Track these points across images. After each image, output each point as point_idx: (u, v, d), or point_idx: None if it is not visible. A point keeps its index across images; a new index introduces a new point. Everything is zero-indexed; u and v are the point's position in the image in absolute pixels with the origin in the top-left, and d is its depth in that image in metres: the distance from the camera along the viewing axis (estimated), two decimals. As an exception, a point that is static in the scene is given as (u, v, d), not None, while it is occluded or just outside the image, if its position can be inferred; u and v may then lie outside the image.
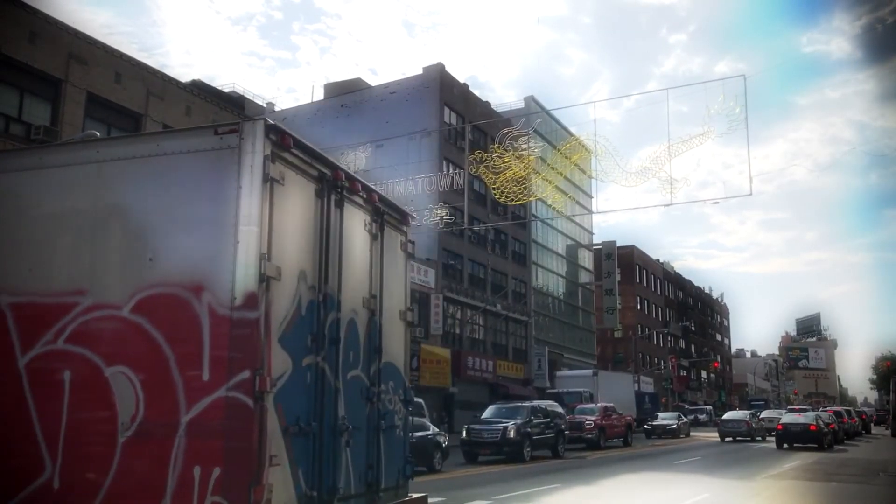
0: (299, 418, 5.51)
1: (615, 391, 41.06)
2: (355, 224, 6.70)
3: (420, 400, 26.77)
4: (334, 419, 6.01)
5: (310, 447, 5.65)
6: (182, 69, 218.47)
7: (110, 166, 5.78)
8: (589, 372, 44.75)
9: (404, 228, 7.81)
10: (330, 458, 5.89)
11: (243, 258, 5.15)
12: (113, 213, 5.69)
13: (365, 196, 6.85)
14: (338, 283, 6.19)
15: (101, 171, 5.80)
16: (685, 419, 45.31)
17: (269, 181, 5.30)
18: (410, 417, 7.74)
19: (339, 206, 6.35)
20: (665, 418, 43.43)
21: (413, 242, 8.05)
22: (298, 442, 5.48)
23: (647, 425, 42.13)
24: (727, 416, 41.74)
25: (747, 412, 42.93)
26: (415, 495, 7.39)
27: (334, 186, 6.27)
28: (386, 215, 7.30)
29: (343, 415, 6.12)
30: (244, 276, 5.13)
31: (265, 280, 5.15)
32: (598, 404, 32.68)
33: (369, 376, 6.74)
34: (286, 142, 5.52)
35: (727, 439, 37.19)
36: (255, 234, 5.17)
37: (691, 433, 48.75)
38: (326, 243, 6.09)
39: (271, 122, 5.44)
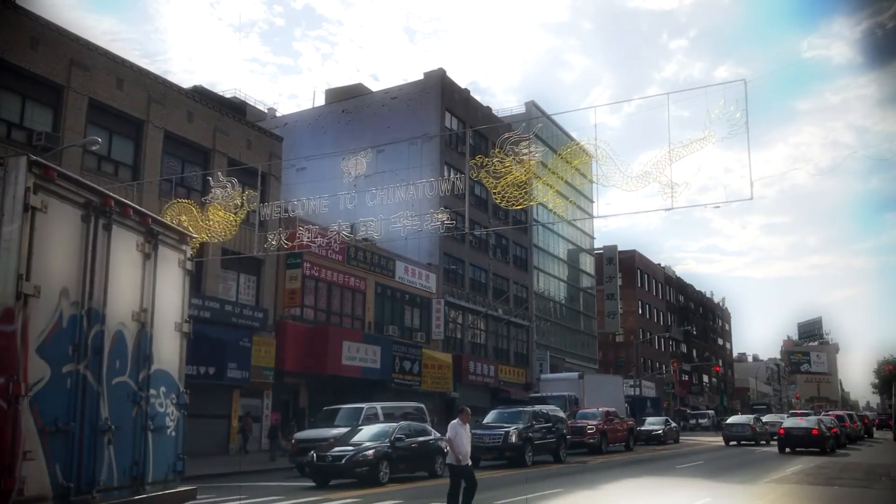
0: (57, 419, 6.19)
1: (603, 395, 38.88)
2: (126, 245, 7.38)
3: (421, 405, 26.82)
4: (96, 420, 6.67)
5: (68, 444, 6.32)
6: (184, 75, 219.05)
7: None
8: (574, 375, 42.51)
9: (184, 247, 8.49)
10: (90, 454, 6.57)
11: (2, 278, 5.82)
12: None
13: (137, 219, 7.56)
14: (103, 298, 6.86)
15: None
16: (673, 424, 43.50)
17: (30, 210, 6.00)
18: (184, 419, 8.40)
19: (108, 229, 7.04)
20: (651, 423, 41.63)
21: (192, 260, 8.68)
22: (56, 439, 6.16)
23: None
24: (732, 420, 41.37)
25: (751, 416, 42.36)
26: (183, 488, 8.06)
27: (103, 212, 6.96)
28: (161, 236, 7.97)
29: (106, 416, 6.79)
30: (2, 293, 5.80)
31: (22, 297, 5.84)
32: (600, 409, 32.44)
33: (137, 382, 7.40)
34: (50, 174, 6.26)
35: (731, 443, 37.09)
36: (14, 257, 5.85)
37: (692, 438, 48.61)
38: (92, 263, 6.77)
39: (34, 157, 6.14)
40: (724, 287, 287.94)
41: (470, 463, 11.78)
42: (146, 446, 7.43)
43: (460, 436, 11.61)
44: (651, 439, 39.12)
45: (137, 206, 7.65)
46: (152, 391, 7.60)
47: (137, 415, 7.35)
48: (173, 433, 8.02)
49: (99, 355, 6.76)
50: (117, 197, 7.26)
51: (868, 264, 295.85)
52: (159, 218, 8.14)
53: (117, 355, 7.08)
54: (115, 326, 7.05)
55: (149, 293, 7.65)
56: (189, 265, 8.52)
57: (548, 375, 47.24)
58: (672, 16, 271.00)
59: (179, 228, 8.69)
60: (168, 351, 8.01)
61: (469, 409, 12.61)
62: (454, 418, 12.14)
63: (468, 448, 11.68)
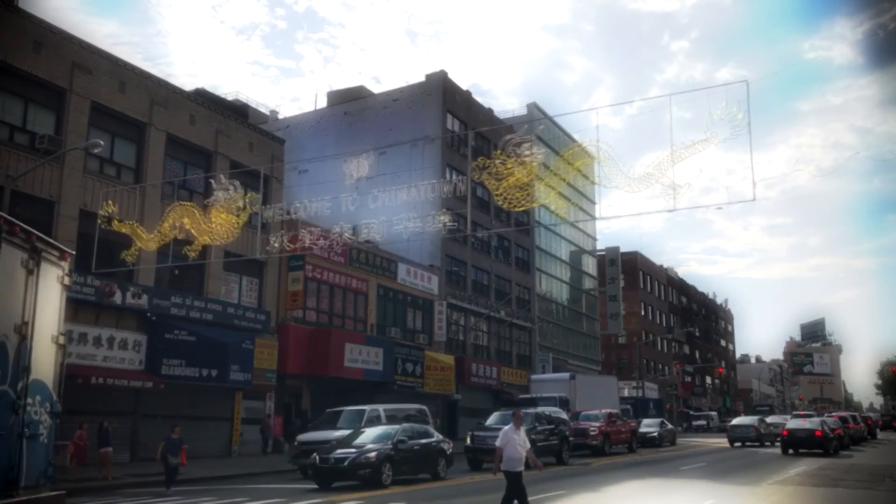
0: None
1: (596, 396, 38.05)
2: (12, 261, 7.65)
3: (424, 406, 26.81)
4: None
5: None
6: (186, 78, 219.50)
7: None
8: (566, 376, 41.48)
9: (63, 264, 8.78)
10: None
11: None
12: None
13: (24, 237, 7.83)
14: None
15: None
16: (669, 426, 42.52)
17: None
18: (56, 426, 8.71)
19: None
20: (646, 425, 39.92)
21: (70, 275, 8.97)
22: None
23: None
24: (736, 421, 41.16)
25: (756, 418, 42.13)
26: (53, 493, 8.39)
27: None
28: (44, 253, 8.25)
29: None
30: None
31: None
32: (603, 410, 32.35)
33: (16, 391, 7.62)
34: None
35: (736, 444, 37.00)
36: None
37: (694, 439, 48.47)
38: None
39: None
40: (727, 288, 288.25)
41: (521, 469, 11.30)
42: (21, 452, 7.67)
43: (512, 442, 11.30)
44: (646, 442, 37.10)
45: (23, 225, 7.90)
46: (29, 400, 7.86)
47: (15, 422, 7.59)
48: (45, 440, 8.33)
49: None
50: (6, 216, 7.53)
51: (871, 265, 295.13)
52: (42, 235, 8.40)
53: None
54: None
55: (30, 307, 7.91)
56: (67, 280, 8.78)
57: (538, 376, 46.35)
58: (673, 18, 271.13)
59: (59, 245, 8.95)
60: (44, 362, 8.28)
61: (522, 413, 12.35)
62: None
63: (521, 453, 11.27)
